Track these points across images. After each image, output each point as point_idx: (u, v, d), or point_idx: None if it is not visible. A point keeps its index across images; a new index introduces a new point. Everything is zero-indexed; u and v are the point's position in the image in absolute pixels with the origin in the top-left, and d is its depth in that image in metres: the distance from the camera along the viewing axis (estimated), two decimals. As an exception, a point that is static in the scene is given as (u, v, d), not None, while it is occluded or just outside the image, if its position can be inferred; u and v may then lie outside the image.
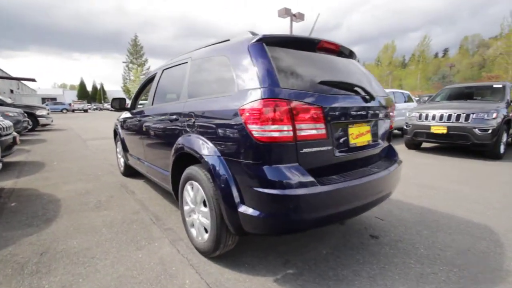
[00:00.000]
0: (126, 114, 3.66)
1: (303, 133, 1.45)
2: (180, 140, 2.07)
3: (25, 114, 9.34)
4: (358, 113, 1.74)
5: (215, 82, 1.87)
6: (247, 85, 1.55)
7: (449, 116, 5.56)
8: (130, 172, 3.96)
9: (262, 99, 1.42)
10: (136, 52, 46.36)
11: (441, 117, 5.68)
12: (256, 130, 1.43)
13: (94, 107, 49.95)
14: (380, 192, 1.77)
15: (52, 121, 12.42)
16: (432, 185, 3.63)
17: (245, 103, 1.48)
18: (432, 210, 2.80)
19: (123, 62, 45.39)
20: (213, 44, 2.14)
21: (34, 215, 2.70)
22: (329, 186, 1.47)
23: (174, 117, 2.19)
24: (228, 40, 2.01)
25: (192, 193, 1.99)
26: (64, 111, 33.86)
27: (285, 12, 14.88)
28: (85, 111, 37.40)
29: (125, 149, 3.76)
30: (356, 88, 1.81)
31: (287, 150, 1.44)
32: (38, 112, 11.42)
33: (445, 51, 72.68)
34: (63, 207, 2.91)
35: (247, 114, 1.46)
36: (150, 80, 3.21)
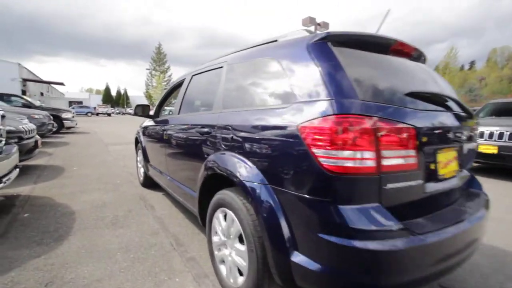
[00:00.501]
0: (149, 122, 3.41)
1: (389, 162, 1.07)
2: (212, 158, 1.74)
3: (51, 117, 9.50)
4: (448, 134, 1.34)
5: (261, 91, 1.54)
6: (309, 95, 1.19)
7: (501, 134, 4.95)
8: (149, 183, 3.69)
9: (335, 114, 1.06)
10: (159, 60, 47.71)
11: (491, 135, 5.07)
12: (324, 156, 1.06)
13: (117, 111, 51.55)
14: (476, 241, 1.34)
15: (76, 124, 12.65)
16: (492, 215, 3.08)
17: (309, 119, 1.13)
18: (507, 251, 2.29)
19: (147, 69, 46.87)
20: (256, 45, 1.82)
21: (46, 230, 2.45)
22: (423, 237, 1.07)
23: (205, 129, 1.87)
24: (275, 40, 1.68)
25: (224, 223, 1.64)
26: (89, 114, 35.01)
27: (310, 21, 14.57)
28: (109, 115, 38.56)
29: (146, 159, 3.50)
30: (448, 102, 1.41)
31: (367, 185, 1.06)
32: (63, 115, 11.65)
33: (472, 63, 69.53)
34: (77, 221, 2.65)
35: (311, 134, 1.10)
36: (177, 86, 2.94)
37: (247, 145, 1.45)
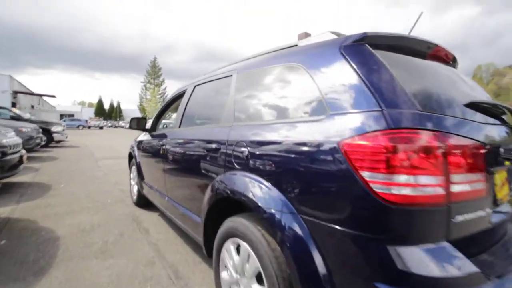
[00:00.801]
0: (145, 136, 3.16)
1: (460, 188, 0.85)
2: (221, 178, 1.50)
3: (40, 130, 9.13)
4: (505, 152, 1.14)
5: (282, 101, 1.32)
6: (349, 105, 0.98)
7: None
8: (143, 202, 3.39)
9: (393, 129, 0.85)
10: (154, 73, 47.76)
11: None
12: (377, 181, 0.84)
13: (110, 124, 50.93)
14: None
15: (66, 137, 12.23)
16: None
17: (355, 135, 0.91)
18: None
19: (141, 82, 46.86)
20: (271, 51, 1.63)
21: (24, 260, 2.13)
22: (500, 281, 0.84)
23: (213, 145, 1.64)
24: (295, 45, 1.49)
25: (236, 257, 1.38)
26: (80, 127, 34.39)
27: (305, 36, 14.86)
28: (101, 128, 37.98)
29: (140, 176, 3.22)
30: (504, 115, 1.22)
31: (434, 218, 0.84)
32: (53, 128, 11.25)
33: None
34: (61, 249, 2.33)
35: (360, 153, 0.88)
36: (177, 98, 2.72)
37: (268, 165, 1.22)
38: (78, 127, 34.20)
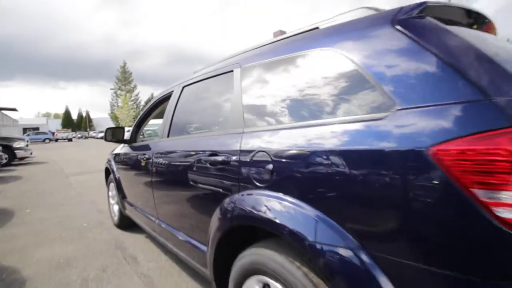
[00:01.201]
0: (125, 149, 2.74)
1: None
2: (235, 200, 1.18)
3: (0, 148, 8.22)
4: None
5: (314, 97, 1.02)
6: (431, 96, 0.70)
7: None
8: (126, 223, 2.96)
9: None
10: (124, 79, 45.77)
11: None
12: (502, 203, 0.57)
13: (79, 135, 48.17)
14: None
15: (31, 153, 11.18)
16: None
17: (454, 137, 0.63)
18: None
19: (111, 88, 44.64)
20: (284, 38, 1.33)
21: (-21, 319, 1.67)
22: None
23: (219, 158, 1.30)
24: (316, 28, 1.20)
25: (266, 302, 1.07)
26: (47, 140, 32.16)
27: (280, 34, 14.75)
28: (70, 140, 35.77)
29: (121, 194, 2.79)
30: None
31: None
32: (15, 145, 10.23)
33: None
34: (28, 297, 1.89)
35: (468, 163, 0.60)
36: (161, 102, 2.35)
37: (308, 183, 0.92)
38: (44, 140, 31.99)
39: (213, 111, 1.58)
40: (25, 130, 39.79)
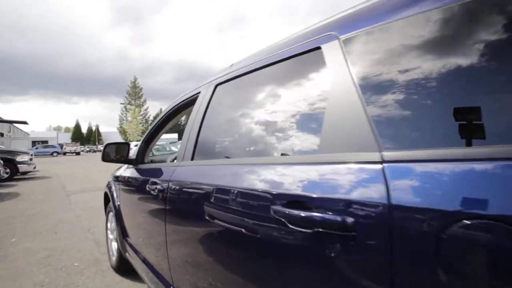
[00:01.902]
0: (129, 171, 2.11)
1: None
2: None
3: (1, 162, 7.77)
4: None
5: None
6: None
7: None
8: (125, 268, 2.29)
9: None
10: (135, 94, 46.28)
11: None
12: None
13: (87, 149, 48.29)
14: None
15: (35, 167, 10.73)
16: None
17: None
18: None
19: (121, 103, 45.08)
20: None
21: None
22: None
23: (332, 218, 0.61)
24: None
25: None
26: (55, 154, 32.07)
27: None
28: (77, 153, 35.69)
29: (121, 229, 2.14)
30: None
31: None
32: (18, 158, 9.81)
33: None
34: None
35: None
36: (177, 111, 1.74)
37: None
38: (52, 154, 31.92)
39: (286, 120, 0.92)
40: (34, 143, 40.10)
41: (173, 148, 13.40)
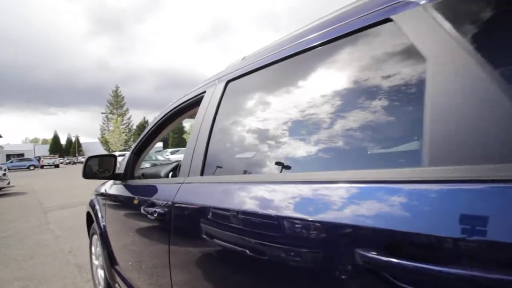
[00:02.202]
0: (116, 188, 1.81)
1: None
2: None
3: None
4: None
5: None
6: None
7: None
8: (116, 297, 1.98)
9: None
10: (116, 103, 45.01)
11: None
12: None
13: (67, 161, 46.26)
14: None
15: (8, 183, 10.01)
16: None
17: None
18: None
19: (102, 113, 43.64)
20: None
21: None
22: None
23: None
24: None
25: None
26: (32, 167, 30.44)
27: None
28: (56, 166, 34.05)
29: (109, 255, 1.84)
30: None
31: None
32: (-11, 174, 9.09)
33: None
34: None
35: None
36: (175, 115, 1.49)
37: None
38: (28, 167, 30.29)
39: (331, 123, 0.66)
40: (8, 156, 37.98)
41: (160, 158, 12.85)
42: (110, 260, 1.85)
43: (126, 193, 1.61)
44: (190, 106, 1.34)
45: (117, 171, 1.75)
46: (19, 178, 16.07)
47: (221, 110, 1.04)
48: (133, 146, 1.79)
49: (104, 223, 1.98)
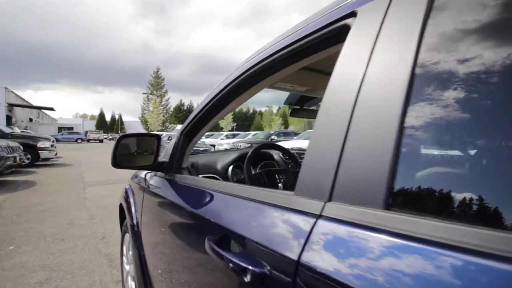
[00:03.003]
0: (158, 182, 1.29)
1: None
2: None
3: (20, 147, 7.36)
4: None
5: None
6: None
7: None
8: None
9: None
10: (157, 84, 46.44)
11: None
12: None
13: (110, 137, 49.35)
14: None
15: (56, 154, 10.46)
16: None
17: None
18: None
19: (143, 93, 45.38)
20: None
21: None
22: None
23: None
24: None
25: None
26: (79, 140, 32.72)
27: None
28: (101, 141, 36.29)
29: (144, 267, 1.36)
30: None
31: None
32: (39, 144, 9.51)
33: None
34: None
35: None
36: (253, 78, 0.88)
37: None
38: (76, 140, 32.61)
39: None
40: (60, 129, 41.31)
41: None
42: (143, 273, 1.37)
43: (174, 197, 1.07)
44: (295, 56, 0.72)
45: (160, 159, 1.22)
46: (67, 150, 17.12)
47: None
48: (184, 125, 1.22)
49: (138, 222, 1.50)
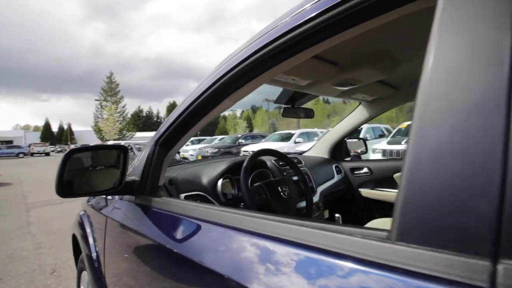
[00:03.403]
0: (128, 207, 0.98)
1: None
2: None
3: None
4: None
5: None
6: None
7: None
8: None
9: None
10: (110, 90, 43.33)
11: None
12: None
13: (59, 149, 44.83)
14: None
15: (-9, 173, 9.04)
16: None
17: None
18: None
19: (96, 100, 42.01)
20: None
21: None
22: None
23: None
24: None
25: None
26: (21, 155, 29.15)
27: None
28: (47, 154, 32.74)
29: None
30: None
31: None
32: (-32, 162, 8.13)
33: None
34: None
35: None
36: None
37: None
38: (17, 155, 29.01)
39: None
40: (-3, 143, 36.44)
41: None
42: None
43: (148, 230, 0.79)
44: (303, 42, 0.53)
45: (128, 178, 0.92)
46: (6, 166, 15.05)
47: None
48: (159, 132, 0.94)
49: (100, 261, 1.17)
